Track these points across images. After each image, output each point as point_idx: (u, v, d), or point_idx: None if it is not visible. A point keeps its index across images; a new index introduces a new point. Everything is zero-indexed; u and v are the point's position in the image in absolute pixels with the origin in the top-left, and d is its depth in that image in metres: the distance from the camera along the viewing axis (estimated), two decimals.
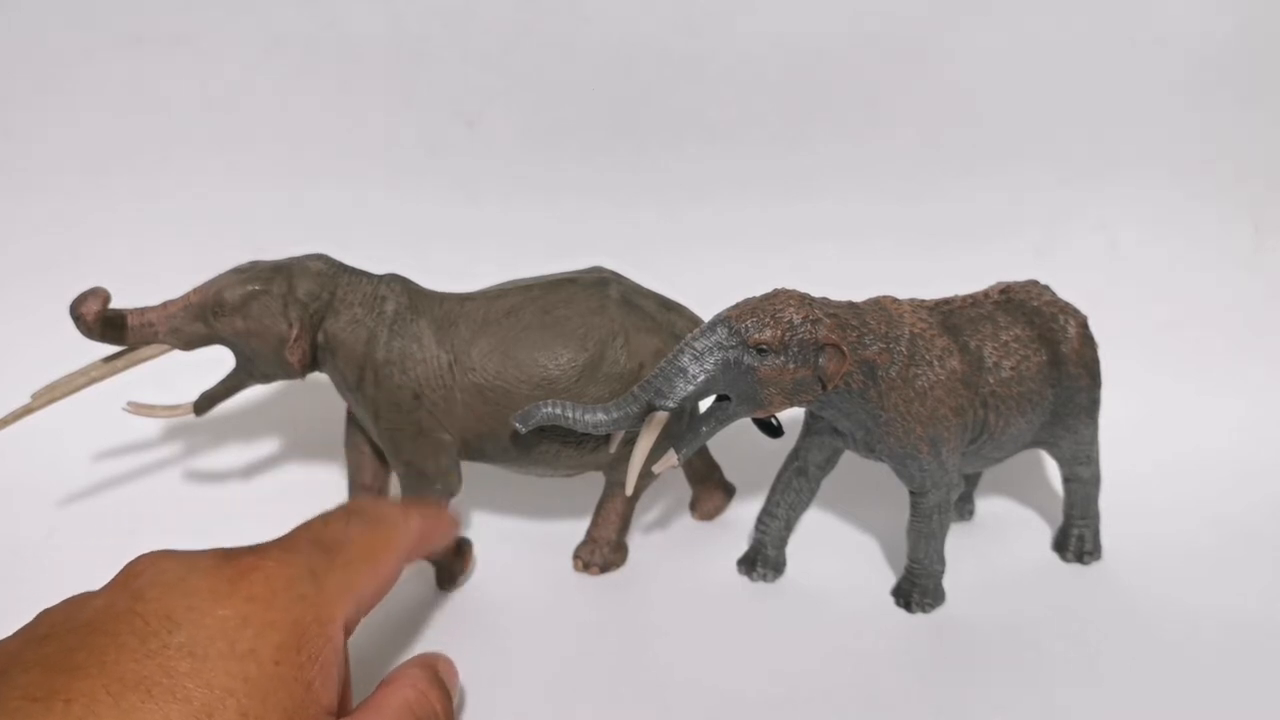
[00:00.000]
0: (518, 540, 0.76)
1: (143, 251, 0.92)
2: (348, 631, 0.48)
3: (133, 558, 0.46)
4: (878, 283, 0.74)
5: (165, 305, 0.68)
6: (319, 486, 0.82)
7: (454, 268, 0.79)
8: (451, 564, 0.69)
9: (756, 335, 0.60)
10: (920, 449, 0.65)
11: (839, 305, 0.64)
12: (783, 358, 0.60)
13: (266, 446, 0.88)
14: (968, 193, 0.97)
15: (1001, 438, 0.68)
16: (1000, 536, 0.78)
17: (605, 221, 0.96)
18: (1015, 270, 0.85)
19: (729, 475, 0.82)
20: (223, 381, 0.72)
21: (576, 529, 0.75)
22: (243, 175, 0.93)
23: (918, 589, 0.68)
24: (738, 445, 0.80)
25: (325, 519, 0.51)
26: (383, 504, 0.56)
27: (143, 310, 0.68)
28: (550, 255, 0.84)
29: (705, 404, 0.64)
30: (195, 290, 0.68)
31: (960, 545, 0.74)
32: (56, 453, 0.83)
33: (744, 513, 0.79)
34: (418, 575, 0.71)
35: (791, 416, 0.75)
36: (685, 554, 0.75)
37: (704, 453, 0.80)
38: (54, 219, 0.93)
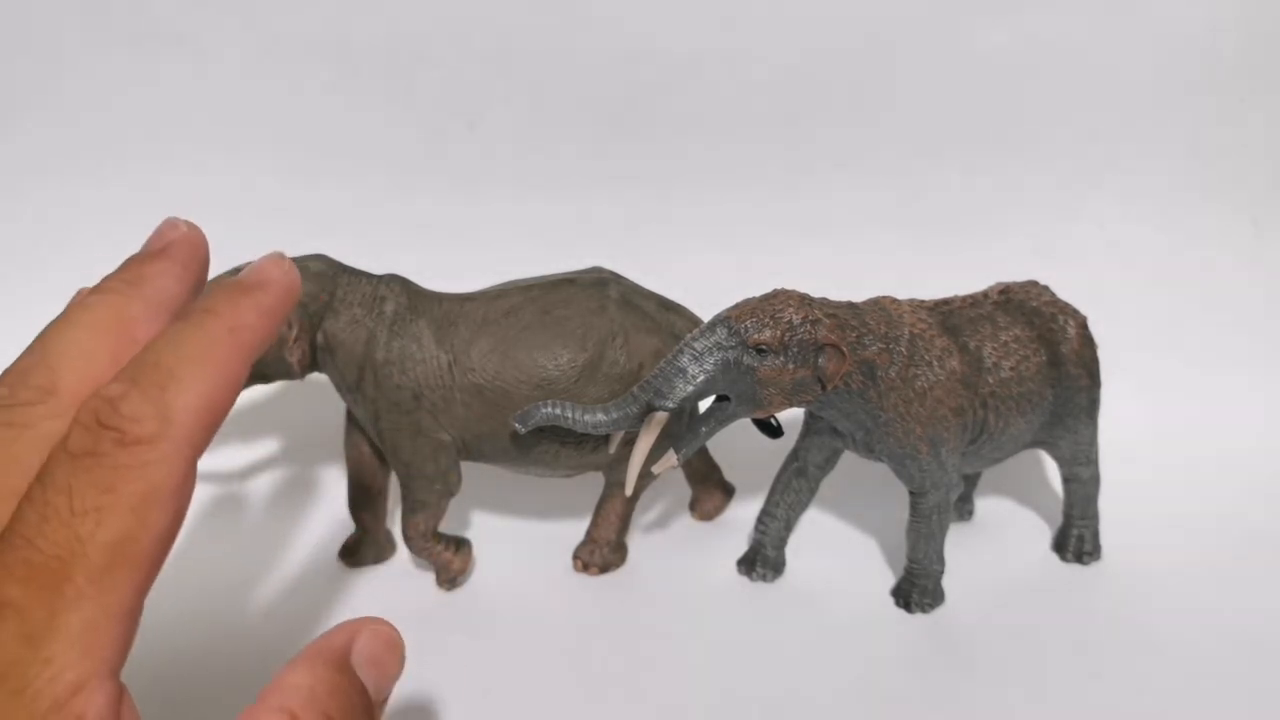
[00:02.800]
0: (518, 540, 0.76)
1: None
2: (115, 668, 0.33)
3: None
4: (877, 282, 0.74)
5: None
6: (319, 486, 0.82)
7: (454, 268, 0.79)
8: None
9: (756, 335, 0.60)
10: (920, 449, 0.65)
11: (838, 306, 0.64)
12: (782, 358, 0.60)
13: (266, 446, 0.88)
14: (967, 191, 0.97)
15: (1001, 438, 0.68)
16: (1000, 536, 0.78)
17: (605, 221, 0.96)
18: (1015, 268, 0.85)
19: (729, 475, 0.82)
20: None
21: (576, 529, 0.75)
22: (243, 175, 0.93)
23: (917, 589, 0.68)
24: (738, 445, 0.80)
25: (42, 511, 0.32)
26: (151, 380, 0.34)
27: None
28: (550, 255, 0.84)
29: (705, 404, 0.64)
30: None
31: (960, 545, 0.74)
32: None
33: (744, 513, 0.79)
34: (417, 575, 0.72)
35: (791, 416, 0.75)
36: (685, 554, 0.75)
37: (704, 453, 0.80)
38: (54, 218, 0.93)
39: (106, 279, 0.39)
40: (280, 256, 0.41)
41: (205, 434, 0.36)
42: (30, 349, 0.37)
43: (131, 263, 0.40)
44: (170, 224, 0.42)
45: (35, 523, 0.32)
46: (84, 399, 0.34)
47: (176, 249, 0.41)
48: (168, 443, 0.34)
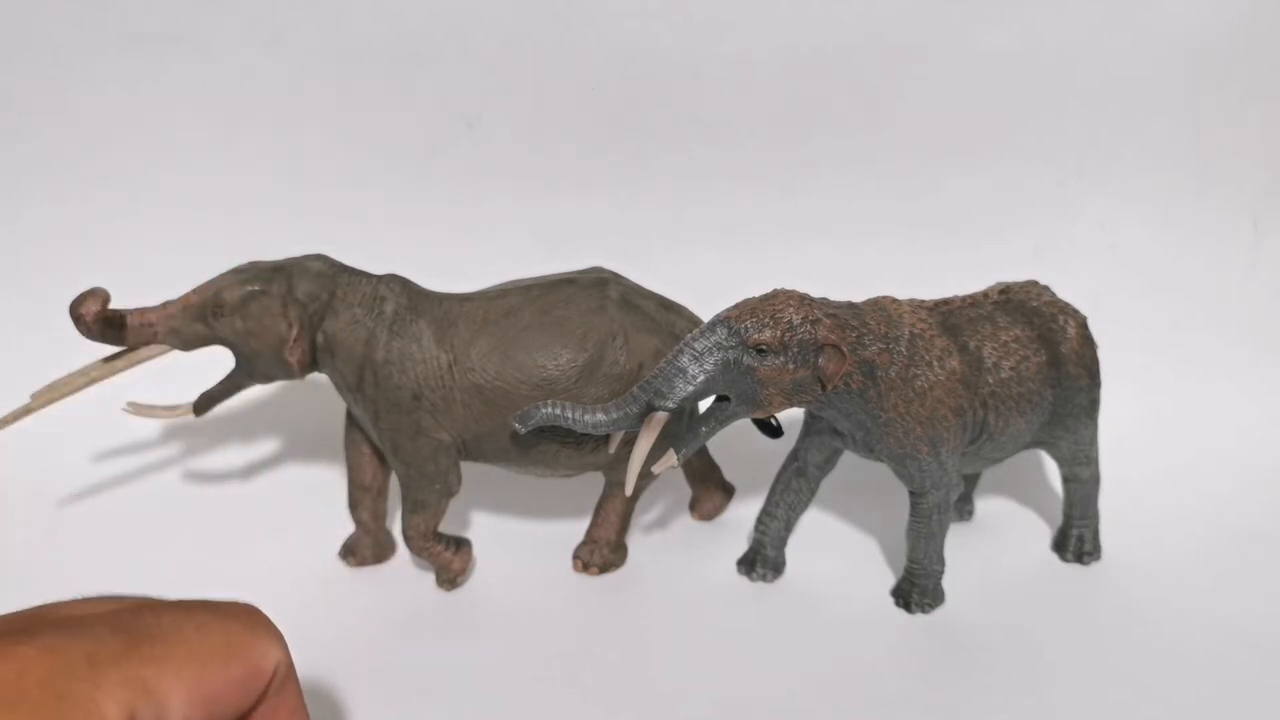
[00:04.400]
0: (518, 540, 0.76)
1: (142, 251, 0.92)
2: None
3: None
4: (877, 282, 0.74)
5: (165, 306, 0.68)
6: (319, 486, 0.82)
7: (454, 268, 0.79)
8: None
9: (756, 336, 0.60)
10: (920, 449, 0.65)
11: (838, 305, 0.64)
12: (782, 358, 0.60)
13: (266, 446, 0.88)
14: (967, 191, 0.97)
15: (1001, 438, 0.68)
16: (1000, 537, 0.78)
17: (605, 221, 0.96)
18: (1015, 269, 0.85)
19: (729, 475, 0.82)
20: (222, 382, 0.72)
21: (576, 529, 0.75)
22: (243, 175, 0.93)
23: (917, 589, 0.68)
24: (738, 445, 0.80)
25: (166, 606, 0.36)
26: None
27: (142, 310, 0.68)
28: (550, 255, 0.84)
29: (705, 404, 0.64)
30: (195, 291, 0.68)
31: (960, 545, 0.74)
32: (56, 453, 0.83)
33: (744, 513, 0.79)
34: (417, 575, 0.72)
35: (791, 416, 0.75)
36: (685, 554, 0.75)
37: (704, 453, 0.80)
38: (53, 219, 0.93)
39: None
40: None
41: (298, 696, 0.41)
42: None
43: None
44: None
45: (155, 609, 0.36)
46: None
47: None
48: (284, 663, 0.40)
